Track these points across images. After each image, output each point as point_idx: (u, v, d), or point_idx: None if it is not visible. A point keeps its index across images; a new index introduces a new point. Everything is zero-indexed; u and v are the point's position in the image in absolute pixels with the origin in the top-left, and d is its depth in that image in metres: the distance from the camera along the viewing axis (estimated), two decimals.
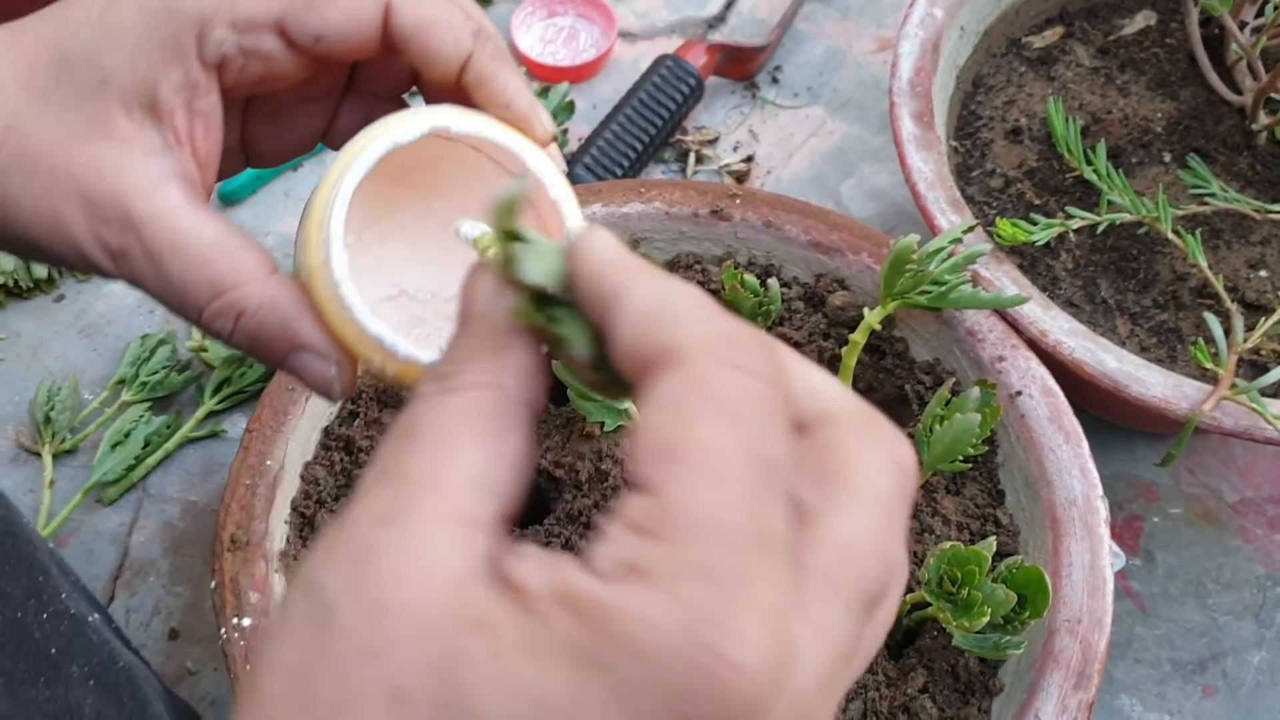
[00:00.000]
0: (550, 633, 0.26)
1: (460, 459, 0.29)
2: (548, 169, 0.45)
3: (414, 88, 0.50)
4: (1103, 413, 0.78)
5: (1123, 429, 0.84)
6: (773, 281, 0.66)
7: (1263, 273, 0.75)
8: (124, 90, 0.43)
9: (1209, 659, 0.78)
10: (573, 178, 0.92)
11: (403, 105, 0.50)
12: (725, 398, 0.27)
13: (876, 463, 0.30)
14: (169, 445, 0.82)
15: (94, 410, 0.85)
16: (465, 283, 0.32)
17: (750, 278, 0.66)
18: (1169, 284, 0.75)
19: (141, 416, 0.83)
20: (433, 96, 0.48)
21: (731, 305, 0.67)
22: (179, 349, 0.87)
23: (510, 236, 0.31)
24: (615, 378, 0.31)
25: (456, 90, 0.46)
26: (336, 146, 0.50)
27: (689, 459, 0.26)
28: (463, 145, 0.48)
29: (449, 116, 0.44)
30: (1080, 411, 0.66)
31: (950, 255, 0.66)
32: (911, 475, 0.30)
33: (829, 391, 0.31)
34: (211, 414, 0.84)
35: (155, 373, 0.84)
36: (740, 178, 0.97)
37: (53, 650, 0.52)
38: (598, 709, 0.25)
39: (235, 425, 0.85)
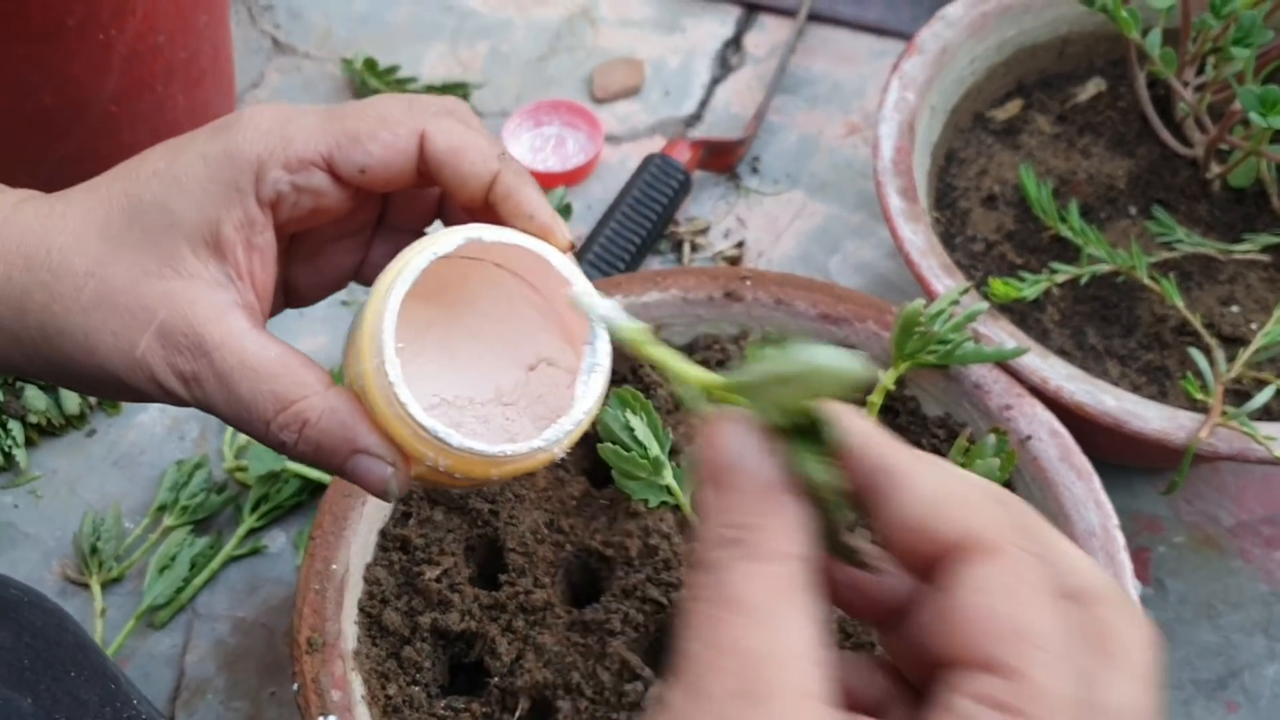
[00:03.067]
0: None
1: (796, 634, 0.31)
2: (571, 268, 0.51)
3: (435, 221, 0.56)
4: (1101, 454, 0.83)
5: (1119, 468, 0.89)
6: None
7: (1234, 308, 0.81)
8: (191, 231, 0.48)
9: (1227, 676, 0.82)
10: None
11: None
12: (1040, 583, 0.31)
13: (1140, 639, 0.34)
14: (214, 565, 0.85)
15: (137, 538, 0.87)
16: (713, 434, 0.34)
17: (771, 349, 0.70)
18: (1150, 326, 0.81)
19: (185, 539, 0.85)
20: (455, 220, 0.54)
21: None
22: (214, 471, 0.90)
23: (800, 414, 0.33)
24: (850, 546, 0.35)
25: (482, 210, 0.51)
26: (367, 282, 0.55)
27: (1040, 642, 0.31)
28: (489, 265, 0.53)
29: (481, 228, 0.49)
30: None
31: (951, 316, 0.71)
32: (1158, 648, 0.35)
33: (1087, 566, 0.35)
34: (252, 531, 0.87)
35: (195, 496, 0.87)
36: (733, 262, 1.02)
37: None
38: None
39: (275, 540, 0.87)
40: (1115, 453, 0.82)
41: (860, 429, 0.34)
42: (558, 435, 0.48)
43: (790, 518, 0.33)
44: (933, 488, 0.33)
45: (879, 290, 1.00)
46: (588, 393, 0.49)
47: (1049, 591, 0.31)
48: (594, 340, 0.49)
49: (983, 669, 0.30)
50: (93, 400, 0.93)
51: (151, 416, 0.94)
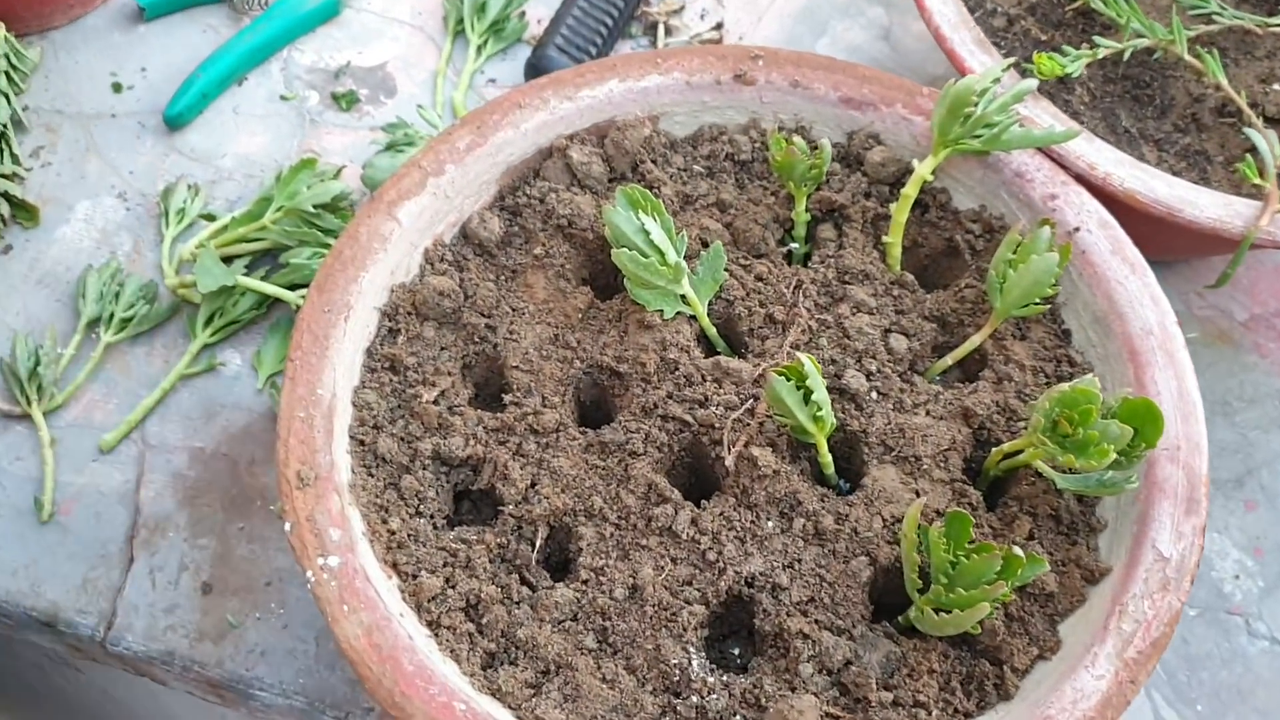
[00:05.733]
0: None
1: None
2: None
3: None
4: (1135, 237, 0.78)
5: None
6: (824, 141, 0.63)
7: (1276, 86, 0.75)
8: None
9: (1245, 474, 0.80)
10: (545, 61, 0.87)
11: None
12: None
13: None
14: (165, 384, 0.77)
15: (70, 359, 0.78)
16: None
17: (799, 140, 0.63)
18: (1186, 107, 0.75)
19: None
20: None
21: (784, 170, 0.64)
22: (160, 291, 0.80)
23: None
24: None
25: None
26: None
27: None
28: None
29: None
30: None
31: (994, 96, 0.64)
32: None
33: None
34: (205, 347, 0.78)
35: (131, 306, 0.78)
36: None
37: None
38: None
39: (230, 360, 0.79)
40: (1146, 244, 0.77)
41: None
42: None
43: None
44: None
45: None
46: None
47: None
48: None
49: None
50: (5, 212, 0.82)
51: (75, 229, 0.83)
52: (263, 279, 0.78)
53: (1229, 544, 0.77)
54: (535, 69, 0.88)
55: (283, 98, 0.89)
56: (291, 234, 0.79)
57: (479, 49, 0.91)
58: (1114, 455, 0.53)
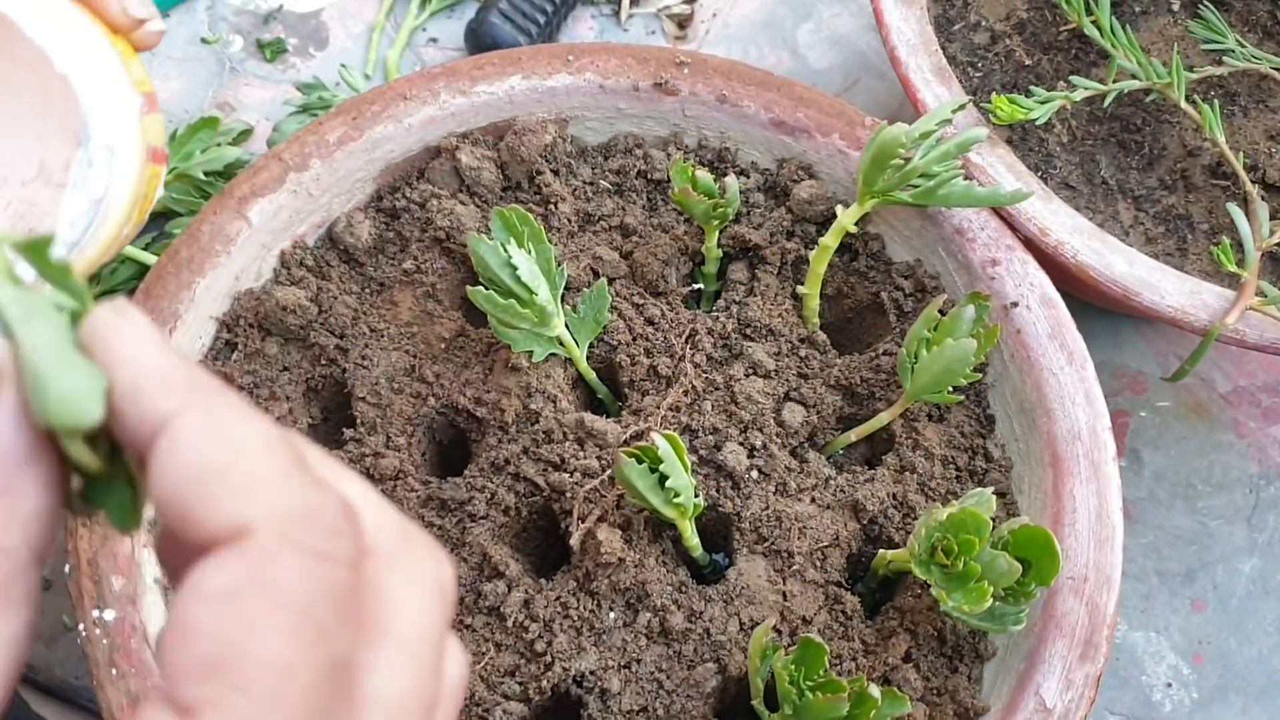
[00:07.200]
0: None
1: None
2: (88, 67, 0.44)
3: None
4: (1083, 295, 0.69)
5: (1107, 312, 0.76)
6: (730, 180, 0.55)
7: None
8: None
9: (1198, 568, 0.72)
10: (486, 27, 0.79)
11: None
12: (292, 592, 0.24)
13: (416, 600, 0.28)
14: None
15: None
16: None
17: (704, 175, 0.55)
18: (1177, 160, 0.65)
19: None
20: None
21: (681, 207, 0.56)
22: None
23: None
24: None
25: None
26: None
27: (244, 680, 0.23)
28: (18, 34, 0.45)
29: None
30: (1064, 294, 0.57)
31: (939, 139, 0.55)
32: (451, 594, 0.29)
33: (368, 514, 0.28)
34: None
35: None
36: (682, 23, 0.84)
37: None
38: None
39: None
40: (1110, 304, 0.69)
41: (135, 364, 0.25)
42: None
43: (11, 495, 0.25)
44: (200, 460, 0.25)
45: (855, 73, 0.83)
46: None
47: (310, 603, 0.24)
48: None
49: (174, 709, 0.24)
50: None
51: None
52: (147, 247, 0.72)
53: (1166, 646, 0.70)
54: (475, 34, 0.80)
55: (204, 40, 0.82)
56: (180, 201, 0.72)
57: (423, 3, 0.83)
58: (992, 597, 0.46)
